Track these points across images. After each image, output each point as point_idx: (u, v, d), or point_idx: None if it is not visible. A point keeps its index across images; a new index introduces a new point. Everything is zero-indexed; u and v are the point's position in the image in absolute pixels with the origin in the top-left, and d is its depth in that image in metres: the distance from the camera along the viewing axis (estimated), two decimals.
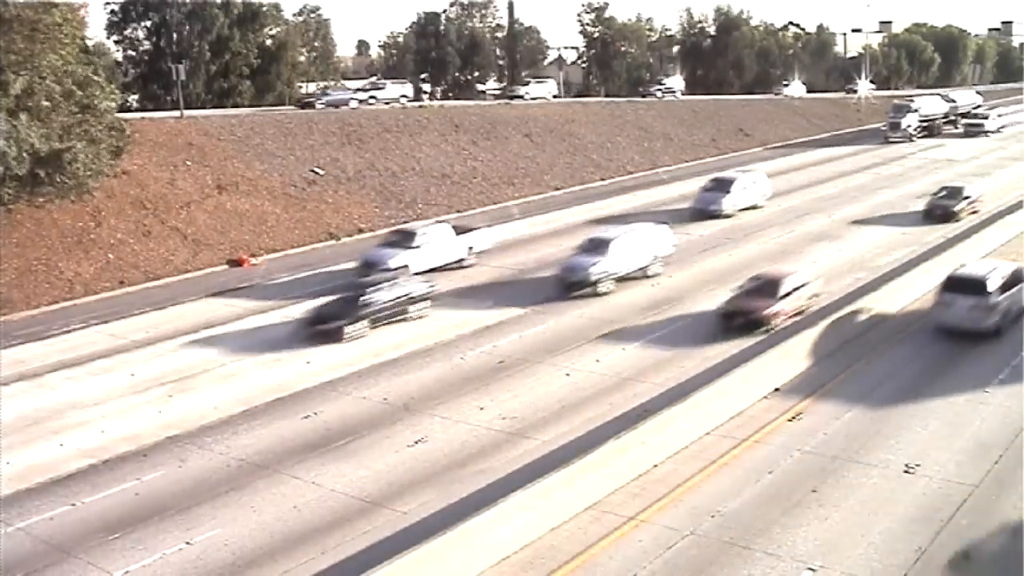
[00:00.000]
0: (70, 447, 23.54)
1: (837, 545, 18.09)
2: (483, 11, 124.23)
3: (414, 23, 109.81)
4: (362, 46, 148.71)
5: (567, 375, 27.63)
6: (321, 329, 30.79)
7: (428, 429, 24.15)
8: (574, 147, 67.30)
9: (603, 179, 62.79)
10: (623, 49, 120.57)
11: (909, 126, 78.78)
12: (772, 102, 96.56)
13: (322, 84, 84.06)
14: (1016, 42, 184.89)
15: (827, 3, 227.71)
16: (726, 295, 32.34)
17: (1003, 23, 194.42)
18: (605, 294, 34.99)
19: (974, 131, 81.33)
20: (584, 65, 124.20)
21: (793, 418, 23.97)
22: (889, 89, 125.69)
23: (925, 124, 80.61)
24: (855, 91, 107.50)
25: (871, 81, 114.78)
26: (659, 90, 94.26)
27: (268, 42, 75.20)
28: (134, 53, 73.09)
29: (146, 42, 72.43)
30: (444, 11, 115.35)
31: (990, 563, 17.69)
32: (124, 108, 52.88)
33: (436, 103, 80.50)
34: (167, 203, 44.61)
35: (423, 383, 27.37)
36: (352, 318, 30.85)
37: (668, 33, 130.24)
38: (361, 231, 47.83)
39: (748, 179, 50.76)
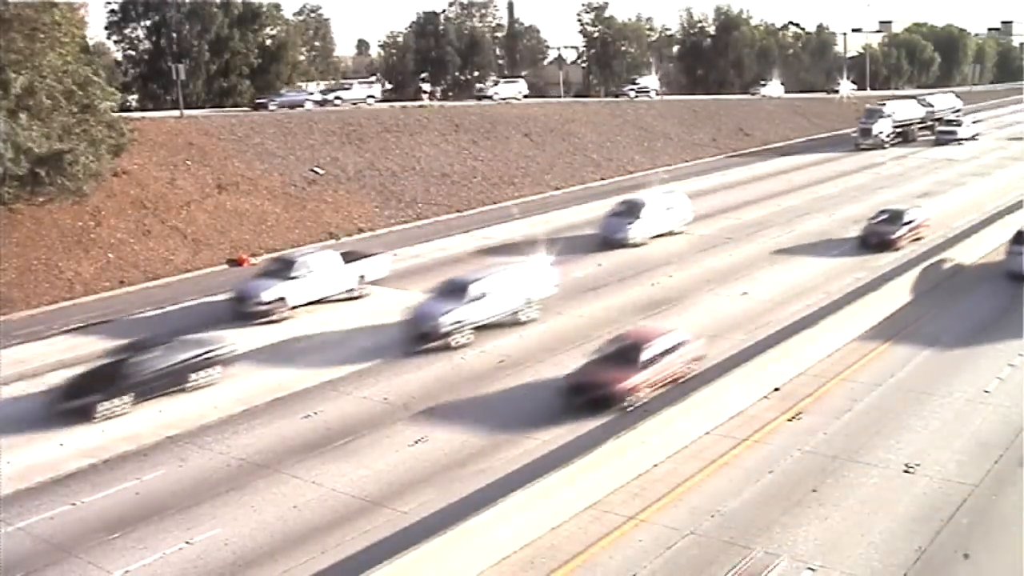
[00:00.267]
0: (70, 447, 23.54)
1: (837, 545, 18.09)
2: (483, 11, 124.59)
3: (414, 23, 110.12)
4: (362, 46, 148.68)
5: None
6: (70, 406, 25.12)
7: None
8: (574, 147, 67.34)
9: (603, 179, 62.86)
10: (623, 49, 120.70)
11: (881, 132, 74.36)
12: (749, 102, 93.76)
13: (322, 84, 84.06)
14: (1016, 42, 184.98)
15: (827, 3, 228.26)
16: (584, 357, 26.85)
17: (1003, 23, 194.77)
18: (460, 347, 29.84)
19: (946, 139, 76.14)
20: (584, 65, 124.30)
21: (793, 418, 23.98)
22: (889, 89, 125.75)
23: (899, 130, 76.25)
24: (837, 91, 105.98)
25: (852, 81, 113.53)
26: (632, 90, 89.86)
27: (268, 42, 75.22)
28: (134, 53, 73.30)
29: (146, 42, 72.64)
30: (444, 11, 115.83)
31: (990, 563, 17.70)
32: (124, 108, 52.86)
33: (436, 103, 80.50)
34: (167, 203, 44.61)
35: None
36: (107, 393, 25.30)
37: (668, 33, 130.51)
38: (361, 231, 47.86)
39: (663, 203, 44.73)
